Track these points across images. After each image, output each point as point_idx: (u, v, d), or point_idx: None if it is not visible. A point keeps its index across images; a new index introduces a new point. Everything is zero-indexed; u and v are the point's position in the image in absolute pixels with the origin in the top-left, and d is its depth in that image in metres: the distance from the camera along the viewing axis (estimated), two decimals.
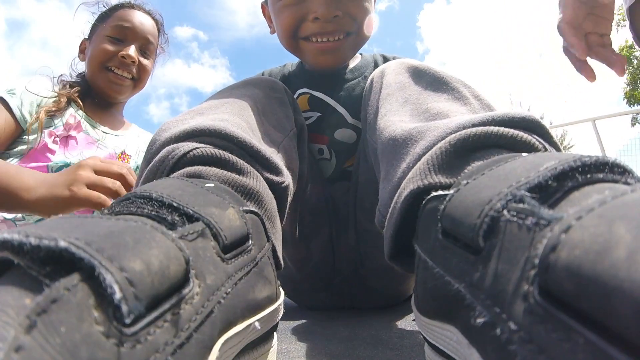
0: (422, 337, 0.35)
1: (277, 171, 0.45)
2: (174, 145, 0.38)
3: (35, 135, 0.95)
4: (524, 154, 0.28)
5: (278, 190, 0.45)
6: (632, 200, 0.16)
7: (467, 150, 0.34)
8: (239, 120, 0.47)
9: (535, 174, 0.22)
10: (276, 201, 0.44)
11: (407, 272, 0.39)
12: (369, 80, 0.64)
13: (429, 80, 0.51)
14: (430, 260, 0.30)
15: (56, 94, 1.02)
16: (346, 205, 0.75)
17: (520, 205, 0.21)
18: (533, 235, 0.19)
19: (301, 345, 0.53)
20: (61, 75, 1.11)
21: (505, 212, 0.22)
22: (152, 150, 0.41)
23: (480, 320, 0.21)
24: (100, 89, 1.08)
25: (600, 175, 0.21)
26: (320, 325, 0.66)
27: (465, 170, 0.32)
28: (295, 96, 0.79)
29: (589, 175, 0.21)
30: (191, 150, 0.37)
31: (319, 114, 0.77)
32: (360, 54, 0.87)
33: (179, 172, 0.36)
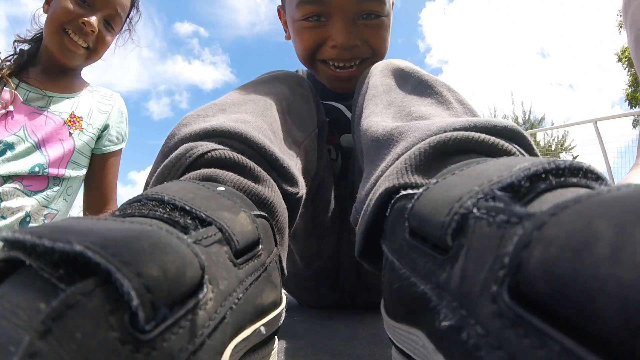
0: (389, 339, 0.34)
1: (292, 181, 0.44)
2: (193, 143, 0.38)
3: None
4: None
5: (291, 200, 0.44)
6: (610, 199, 0.15)
7: (446, 153, 0.33)
8: (261, 123, 0.46)
9: (508, 174, 0.22)
10: (288, 211, 0.43)
11: (376, 272, 0.39)
12: (360, 79, 0.64)
13: (414, 84, 0.52)
14: (397, 261, 0.29)
15: None
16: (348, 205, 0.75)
17: (491, 203, 0.21)
18: (503, 232, 0.18)
19: (302, 343, 0.54)
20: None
21: (475, 209, 0.21)
22: (170, 145, 0.40)
23: (445, 324, 0.20)
24: (52, 52, 1.02)
25: (574, 180, 0.21)
26: (320, 323, 0.66)
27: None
28: None
29: (562, 179, 0.21)
30: (209, 152, 0.37)
31: (328, 119, 0.79)
32: None
33: (195, 172, 0.35)
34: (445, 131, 0.35)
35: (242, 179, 0.36)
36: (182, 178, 0.35)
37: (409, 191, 0.31)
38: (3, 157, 0.94)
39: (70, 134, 1.05)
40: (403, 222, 0.29)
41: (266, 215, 0.34)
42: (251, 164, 0.38)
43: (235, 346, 0.25)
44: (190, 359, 0.19)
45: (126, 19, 1.12)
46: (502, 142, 0.33)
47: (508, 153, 0.33)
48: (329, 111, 0.79)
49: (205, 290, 0.21)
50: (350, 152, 0.78)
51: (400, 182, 0.33)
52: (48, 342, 0.14)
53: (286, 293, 0.88)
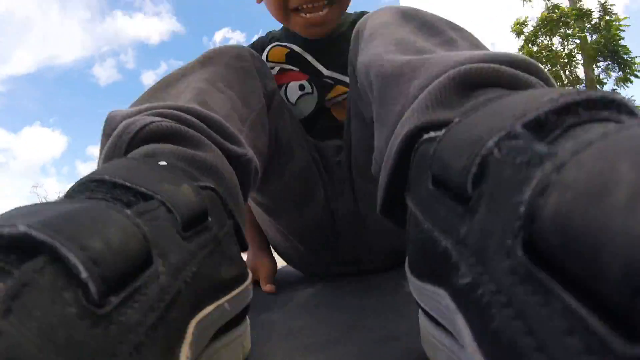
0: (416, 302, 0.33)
1: (238, 142, 0.45)
2: (131, 119, 0.38)
3: None
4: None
5: (239, 164, 0.44)
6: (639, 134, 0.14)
7: (468, 87, 0.31)
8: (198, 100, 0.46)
9: (534, 105, 0.20)
10: (239, 176, 0.44)
11: (401, 229, 0.36)
12: (354, 32, 0.60)
13: (418, 24, 0.47)
14: (421, 214, 0.28)
15: None
16: (339, 166, 0.75)
17: (513, 142, 0.19)
18: (523, 176, 0.17)
19: (308, 318, 0.54)
20: None
21: (496, 150, 0.20)
22: (112, 126, 0.40)
23: (462, 281, 0.20)
24: None
25: (607, 113, 0.19)
26: (331, 295, 0.67)
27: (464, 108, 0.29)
28: (272, 46, 0.85)
29: (593, 111, 0.19)
30: (147, 125, 0.37)
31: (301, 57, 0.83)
32: None
33: (135, 150, 0.36)
34: (463, 64, 0.32)
35: (180, 148, 0.37)
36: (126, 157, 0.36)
37: (432, 134, 0.29)
38: None
39: None
40: (426, 169, 0.27)
41: (212, 186, 0.35)
42: (190, 131, 0.39)
43: (199, 322, 0.26)
44: (150, 334, 0.20)
45: None
46: (523, 74, 0.31)
47: (530, 86, 0.30)
48: (296, 64, 0.83)
49: (155, 263, 0.22)
50: (327, 83, 0.81)
51: (422, 122, 0.31)
52: (9, 321, 0.15)
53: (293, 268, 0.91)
